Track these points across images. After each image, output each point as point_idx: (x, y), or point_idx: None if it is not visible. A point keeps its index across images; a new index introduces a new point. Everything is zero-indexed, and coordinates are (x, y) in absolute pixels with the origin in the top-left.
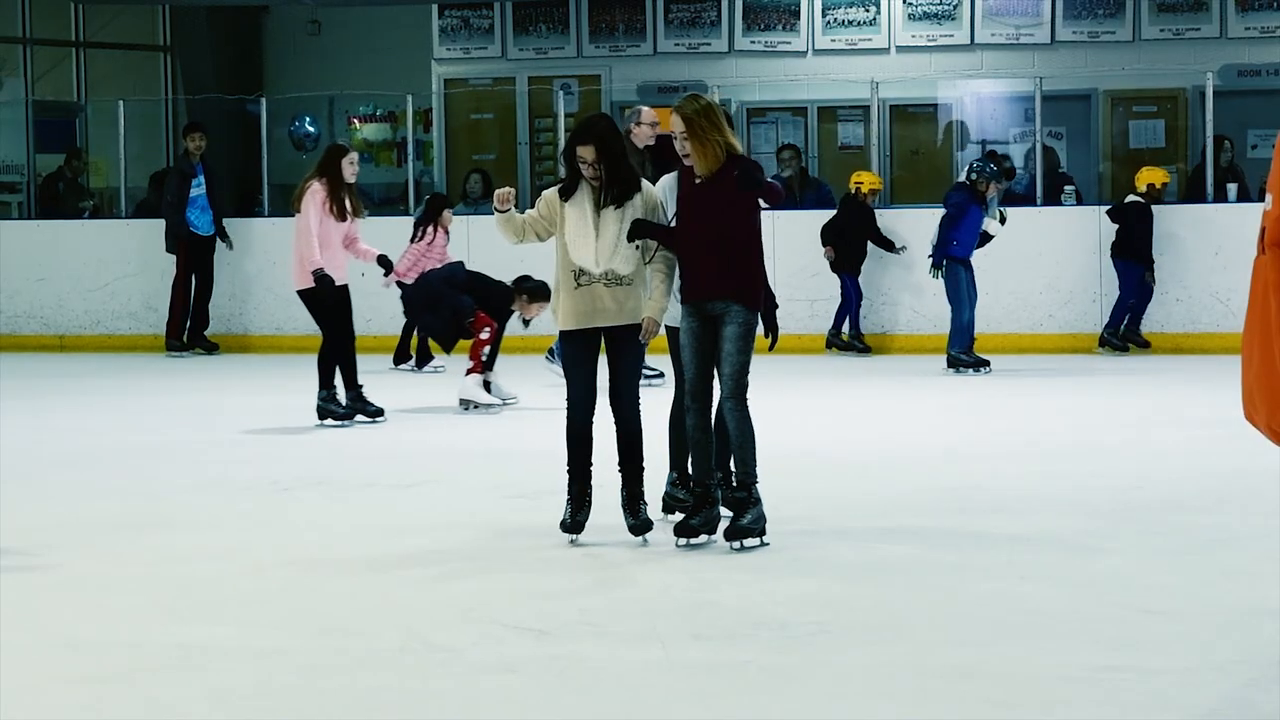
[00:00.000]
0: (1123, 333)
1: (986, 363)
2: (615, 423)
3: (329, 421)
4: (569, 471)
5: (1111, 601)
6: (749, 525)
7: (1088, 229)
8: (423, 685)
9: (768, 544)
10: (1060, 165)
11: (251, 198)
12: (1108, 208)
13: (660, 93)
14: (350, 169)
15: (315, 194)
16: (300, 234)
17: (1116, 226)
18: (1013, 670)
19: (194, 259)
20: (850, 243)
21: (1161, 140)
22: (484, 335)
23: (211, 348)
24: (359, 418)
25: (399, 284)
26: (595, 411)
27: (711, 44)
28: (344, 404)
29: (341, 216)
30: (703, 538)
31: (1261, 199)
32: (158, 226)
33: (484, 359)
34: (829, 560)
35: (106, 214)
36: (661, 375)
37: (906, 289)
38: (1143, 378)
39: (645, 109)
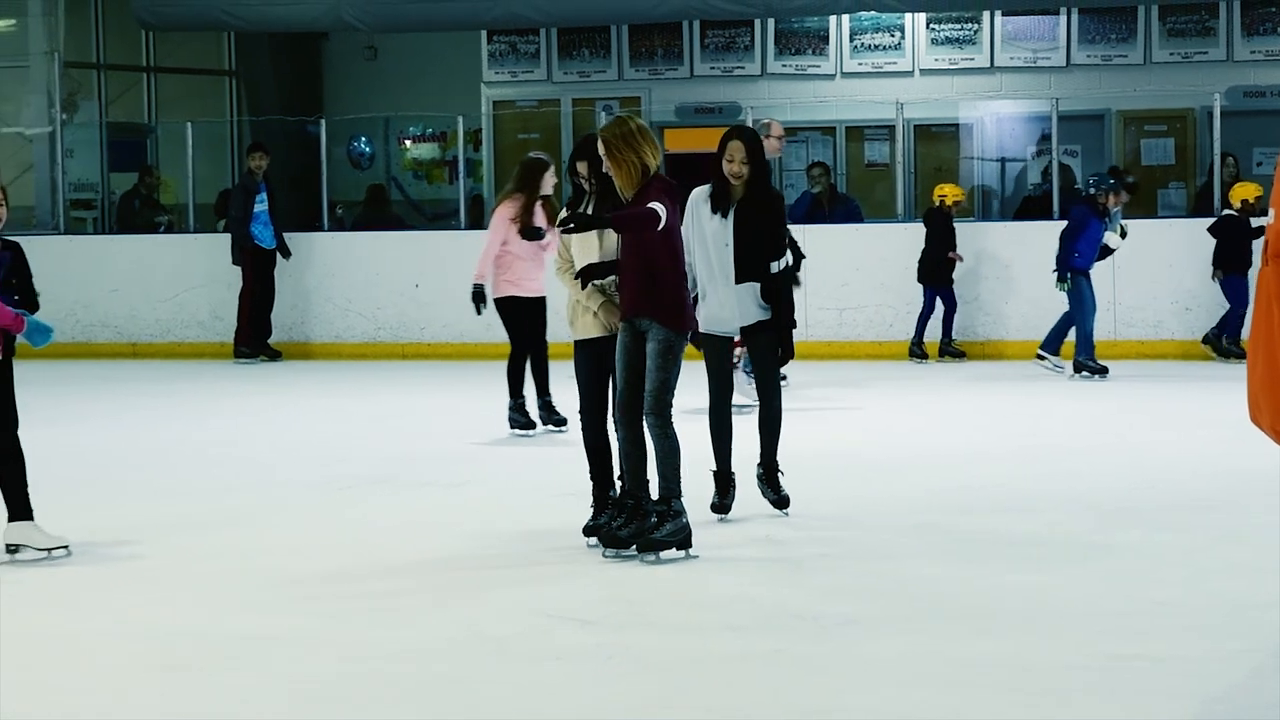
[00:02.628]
0: (1225, 345)
1: (1106, 369)
2: None
3: (517, 431)
4: (590, 477)
5: (1124, 594)
6: (663, 538)
7: None
8: (475, 673)
9: (695, 556)
10: (1075, 182)
11: (312, 213)
12: (1209, 223)
13: (697, 113)
14: (552, 181)
15: (502, 212)
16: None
17: (1215, 241)
18: (1032, 659)
19: (257, 270)
20: (935, 255)
21: (1172, 158)
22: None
23: (275, 355)
24: (547, 427)
25: None
26: (609, 419)
27: (745, 67)
28: (531, 415)
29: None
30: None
31: (1265, 214)
32: (223, 240)
33: (735, 360)
34: (859, 555)
35: (179, 229)
36: (784, 378)
37: (996, 297)
38: (1155, 384)
39: (775, 122)
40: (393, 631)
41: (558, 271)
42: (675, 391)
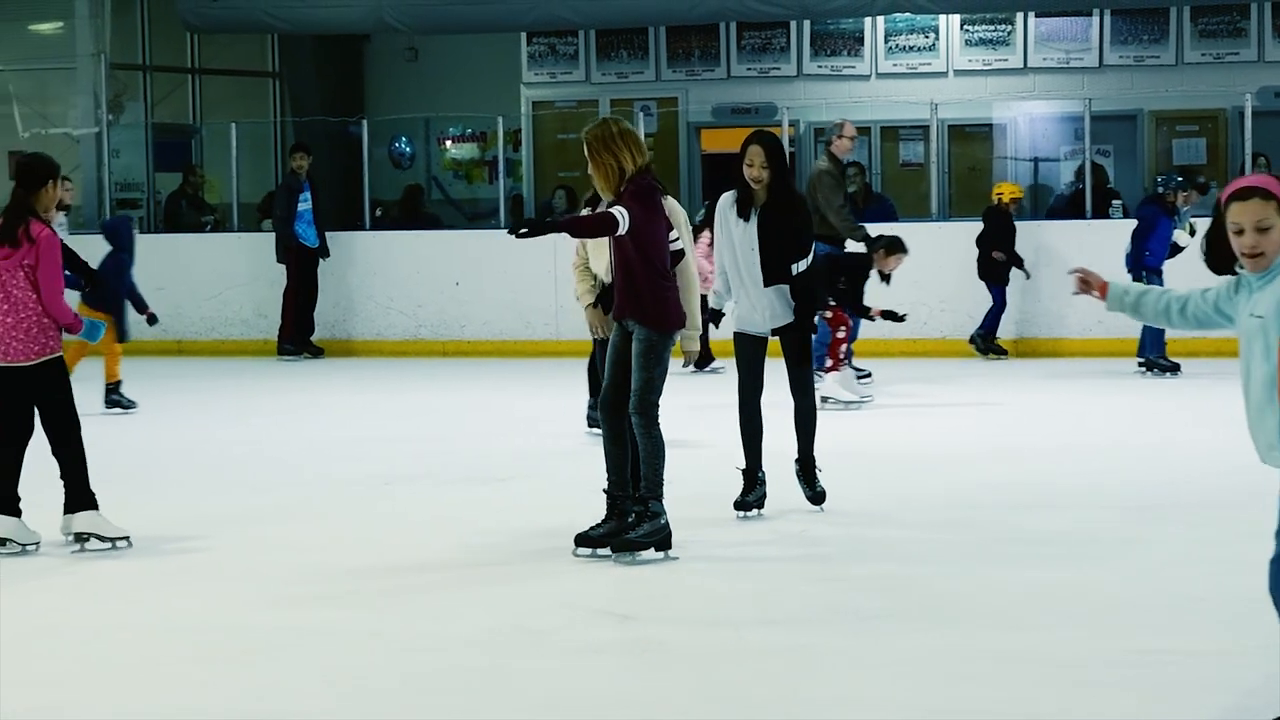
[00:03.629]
0: None
1: (1178, 366)
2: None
3: (595, 430)
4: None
5: (1154, 589)
6: (637, 538)
7: None
8: (514, 665)
9: (675, 558)
10: (1108, 181)
11: (354, 213)
12: None
13: (733, 114)
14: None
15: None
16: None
17: None
18: (1062, 653)
19: (301, 269)
20: (990, 252)
21: (1203, 158)
22: (840, 334)
23: (317, 352)
24: None
25: None
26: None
27: (781, 68)
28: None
29: None
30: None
31: None
32: (267, 239)
33: (842, 356)
34: (892, 550)
35: (224, 228)
36: (869, 374)
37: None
38: (1183, 381)
39: (847, 122)
40: (431, 624)
41: (573, 268)
42: (661, 391)
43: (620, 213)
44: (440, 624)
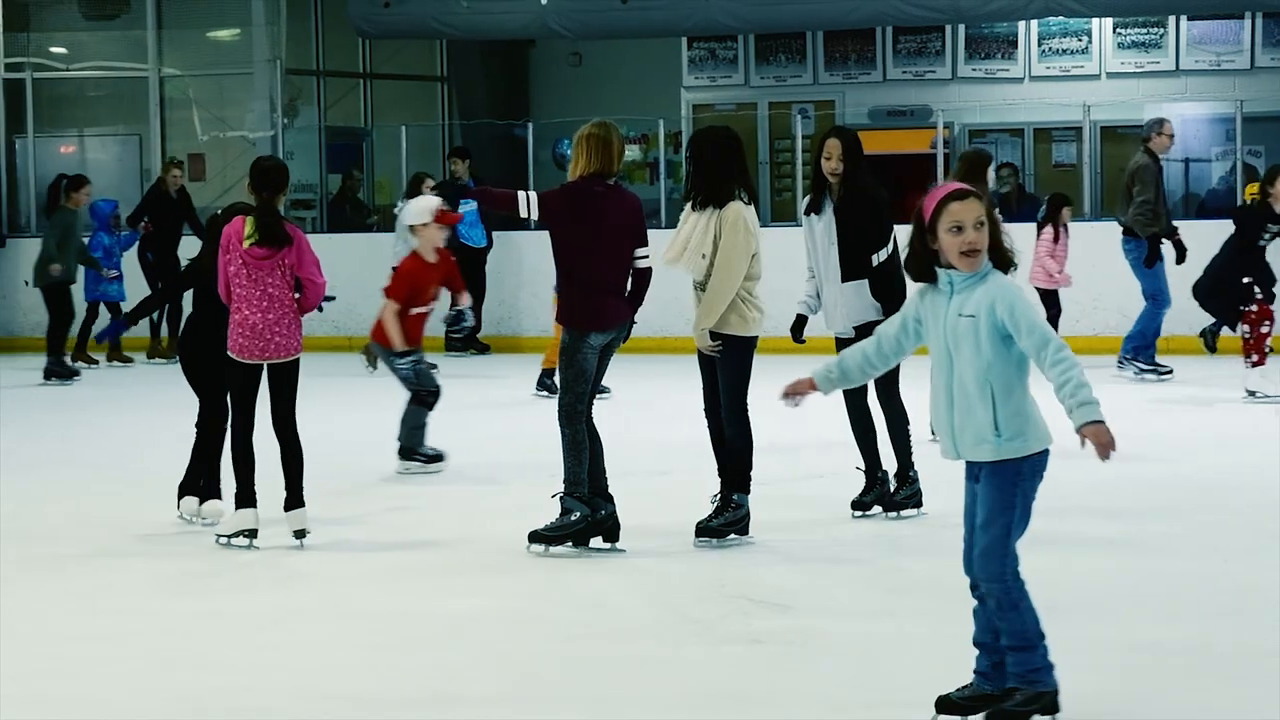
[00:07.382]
0: None
1: None
2: None
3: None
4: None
5: None
6: (544, 531)
7: None
8: (675, 654)
9: (622, 549)
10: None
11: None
12: None
13: (889, 116)
14: (993, 175)
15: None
16: None
17: None
18: (1207, 645)
19: (465, 269)
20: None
21: None
22: (1264, 329)
23: (483, 348)
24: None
25: None
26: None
27: (936, 71)
28: None
29: None
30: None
31: None
32: None
33: (1266, 350)
34: (1036, 541)
35: (390, 228)
36: (1170, 370)
37: None
38: None
39: (1168, 121)
40: (595, 612)
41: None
42: (578, 394)
43: (526, 197)
44: (606, 613)
